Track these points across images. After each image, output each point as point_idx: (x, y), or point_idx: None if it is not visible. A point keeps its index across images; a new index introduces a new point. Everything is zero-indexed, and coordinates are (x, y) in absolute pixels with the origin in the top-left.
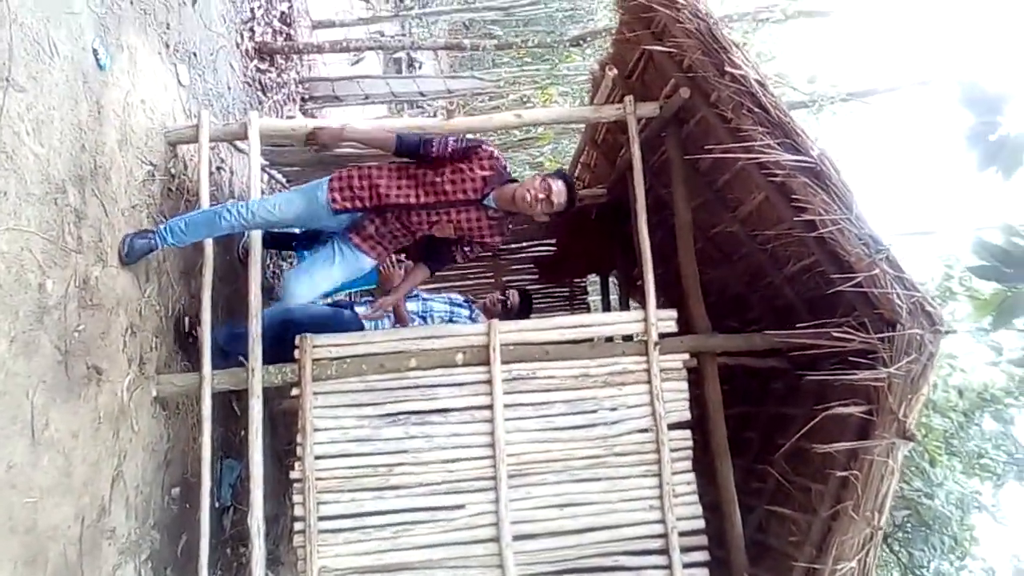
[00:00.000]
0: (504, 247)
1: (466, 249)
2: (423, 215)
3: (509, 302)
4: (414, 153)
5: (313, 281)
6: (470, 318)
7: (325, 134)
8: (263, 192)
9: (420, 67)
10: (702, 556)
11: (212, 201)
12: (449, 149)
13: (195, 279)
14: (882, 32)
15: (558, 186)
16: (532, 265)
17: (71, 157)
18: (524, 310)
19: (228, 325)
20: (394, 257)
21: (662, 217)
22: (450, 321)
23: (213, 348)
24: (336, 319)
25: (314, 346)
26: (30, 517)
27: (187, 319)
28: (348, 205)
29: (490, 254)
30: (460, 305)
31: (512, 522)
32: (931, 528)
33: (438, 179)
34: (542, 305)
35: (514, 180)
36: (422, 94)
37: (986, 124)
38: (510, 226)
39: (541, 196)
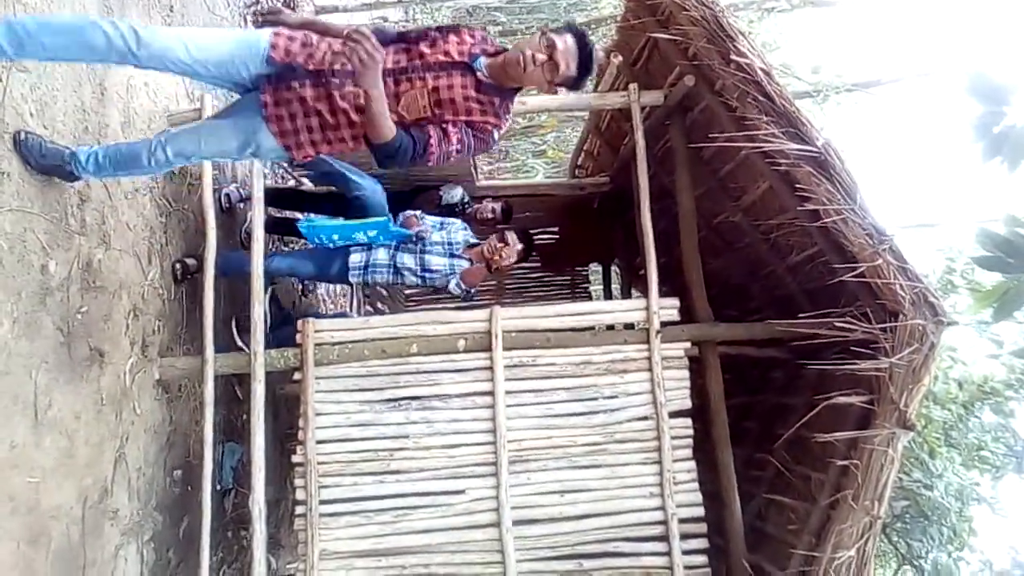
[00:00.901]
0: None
1: (447, 126)
2: (388, 83)
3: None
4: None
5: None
6: None
7: None
8: (266, 176)
9: None
10: (701, 543)
11: (214, 184)
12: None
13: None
14: (887, 22)
15: (566, 42)
16: (534, 253)
17: (74, 139)
18: (524, 252)
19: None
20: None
21: (665, 206)
22: (445, 278)
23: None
24: (326, 272)
25: (316, 331)
26: (32, 497)
27: (179, 264)
28: (288, 60)
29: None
30: (461, 256)
31: (512, 507)
32: (930, 519)
33: (414, 47)
34: (544, 293)
35: None
36: None
37: (992, 114)
38: (508, 115)
39: (541, 57)
